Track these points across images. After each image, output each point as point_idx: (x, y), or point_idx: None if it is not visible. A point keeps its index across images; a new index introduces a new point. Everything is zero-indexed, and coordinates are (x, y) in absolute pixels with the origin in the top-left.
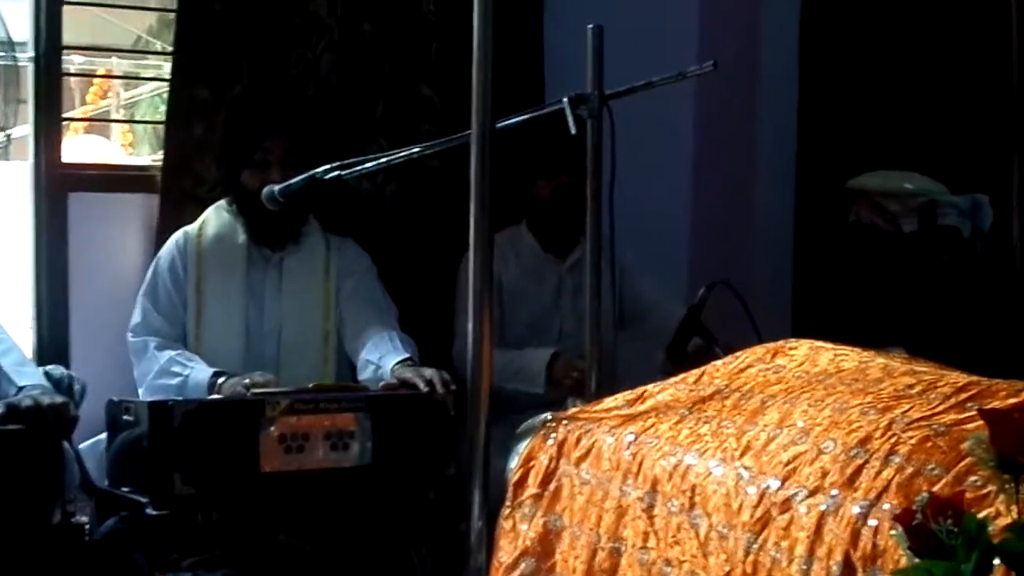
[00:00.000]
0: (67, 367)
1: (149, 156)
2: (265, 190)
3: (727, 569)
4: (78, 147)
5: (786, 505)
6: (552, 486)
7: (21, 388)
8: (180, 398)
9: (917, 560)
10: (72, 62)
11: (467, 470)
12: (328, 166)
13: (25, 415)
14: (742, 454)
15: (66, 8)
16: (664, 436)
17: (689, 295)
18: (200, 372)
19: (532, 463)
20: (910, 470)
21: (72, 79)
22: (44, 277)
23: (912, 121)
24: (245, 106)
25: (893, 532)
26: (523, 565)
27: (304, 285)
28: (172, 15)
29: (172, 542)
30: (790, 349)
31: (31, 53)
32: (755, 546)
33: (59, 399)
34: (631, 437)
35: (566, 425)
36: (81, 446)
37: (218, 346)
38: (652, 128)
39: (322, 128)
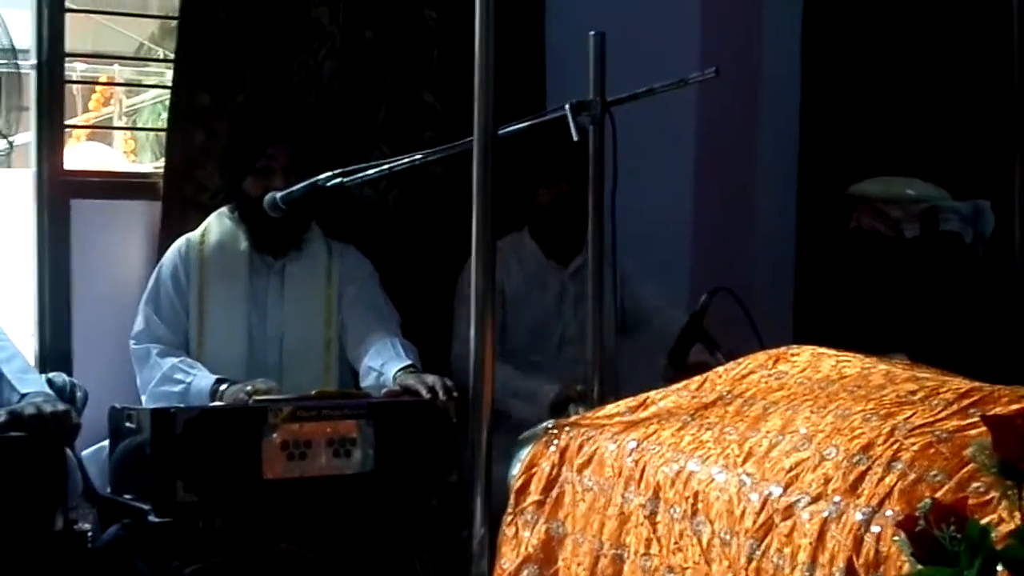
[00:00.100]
0: (69, 374)
1: (151, 163)
2: (267, 197)
3: None
4: (80, 154)
5: (789, 511)
6: (554, 493)
7: (24, 395)
8: (182, 405)
9: (920, 567)
10: (74, 69)
11: (469, 477)
12: (330, 173)
13: (28, 423)
14: (744, 460)
15: (68, 15)
16: (666, 443)
17: (691, 302)
18: (202, 379)
19: (534, 470)
20: (913, 476)
21: (74, 86)
22: (46, 284)
23: (914, 127)
24: (248, 113)
25: (896, 538)
26: (525, 572)
27: (306, 292)
28: (174, 22)
29: (174, 549)
30: (792, 355)
31: (33, 60)
32: (758, 553)
33: (61, 407)
34: (633, 444)
35: (568, 432)
36: (83, 453)
37: (220, 353)
38: (653, 134)
39: (324, 135)
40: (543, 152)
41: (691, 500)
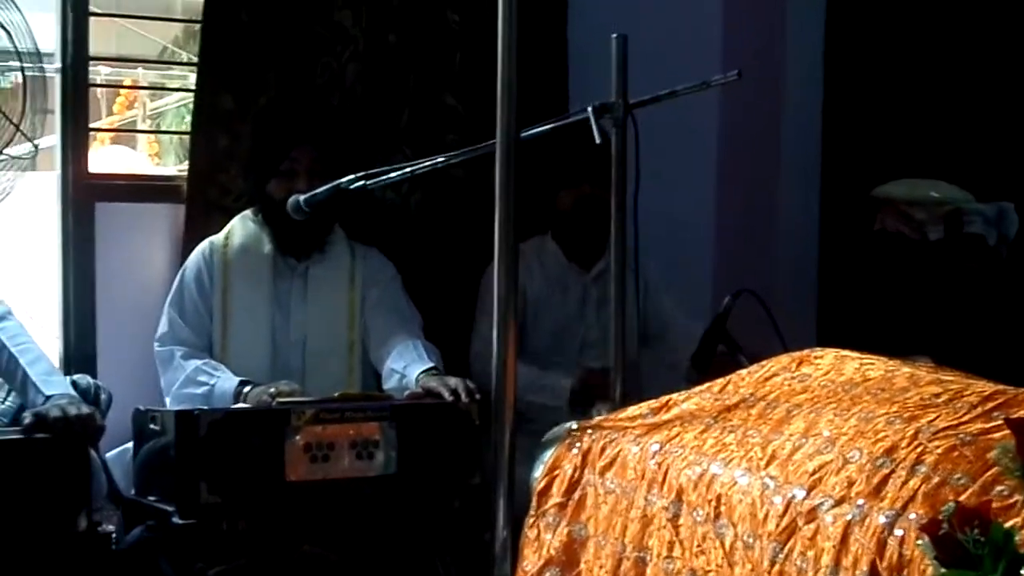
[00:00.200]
0: (94, 376)
1: (175, 166)
2: (291, 200)
3: None
4: (105, 157)
5: (812, 515)
6: (577, 495)
7: (48, 397)
8: (206, 407)
9: (943, 570)
10: (98, 73)
11: (492, 479)
12: (353, 176)
13: (53, 425)
14: (768, 463)
15: (92, 19)
16: (689, 445)
17: (714, 304)
18: (226, 381)
19: (556, 472)
20: (936, 480)
21: (98, 90)
22: (71, 287)
23: (937, 129)
24: (271, 116)
25: (919, 542)
26: (548, 574)
27: (329, 294)
28: (197, 26)
29: (198, 551)
30: (815, 358)
31: (58, 64)
32: (781, 556)
33: (86, 409)
34: (656, 446)
35: (591, 434)
36: (108, 455)
37: (244, 355)
38: (676, 136)
39: (347, 138)
40: (565, 155)
41: (714, 503)
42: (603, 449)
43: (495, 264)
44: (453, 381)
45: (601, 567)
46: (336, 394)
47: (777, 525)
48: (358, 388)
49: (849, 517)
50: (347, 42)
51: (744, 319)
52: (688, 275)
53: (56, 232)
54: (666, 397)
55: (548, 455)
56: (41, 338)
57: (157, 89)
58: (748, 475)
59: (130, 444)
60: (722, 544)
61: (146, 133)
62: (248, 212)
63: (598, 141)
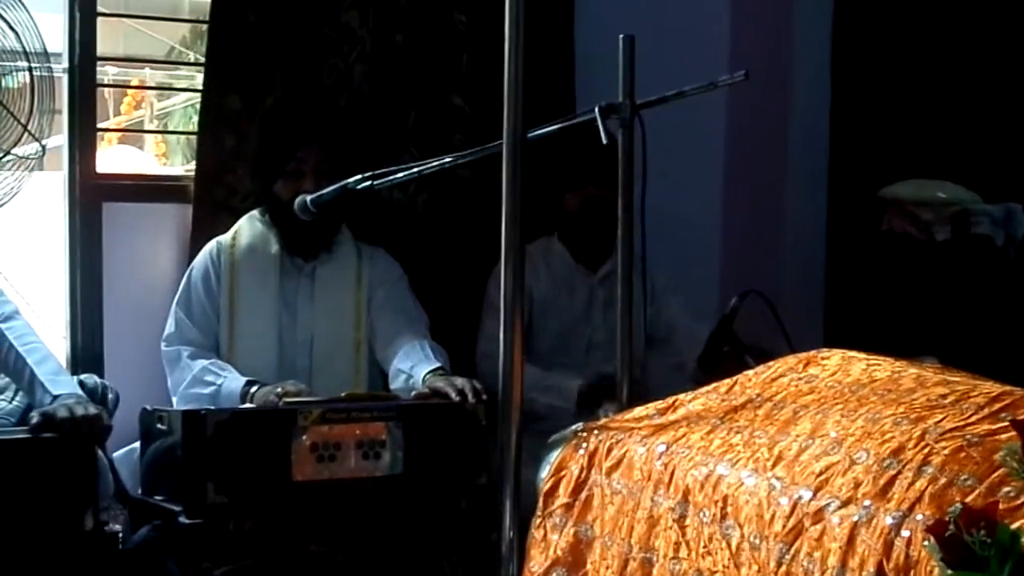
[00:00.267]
0: (101, 376)
1: (182, 166)
2: (298, 200)
3: None
4: (112, 157)
5: (818, 516)
6: (583, 496)
7: (56, 397)
8: (213, 407)
9: (950, 572)
10: (106, 73)
11: (498, 479)
12: (360, 176)
13: (60, 425)
14: (774, 464)
15: (100, 19)
16: (696, 446)
17: (721, 304)
18: (233, 381)
19: (563, 472)
20: (943, 481)
21: (106, 90)
22: (78, 287)
23: (945, 130)
24: (278, 117)
25: (926, 543)
26: (554, 574)
27: (336, 294)
28: (205, 26)
29: (205, 551)
30: (822, 359)
31: (65, 64)
32: (787, 557)
33: (93, 410)
34: (662, 447)
35: (597, 435)
36: (115, 455)
37: (251, 355)
38: (683, 137)
39: (354, 138)
40: (572, 156)
41: (720, 504)
42: (609, 450)
43: (502, 264)
44: (460, 381)
45: (607, 568)
46: (343, 394)
47: (784, 526)
48: (365, 388)
49: (856, 518)
50: (354, 43)
51: (751, 320)
52: (695, 276)
53: (63, 232)
54: (673, 398)
55: (554, 456)
56: (48, 338)
57: (164, 89)
58: (755, 476)
59: (137, 444)
60: (728, 545)
61: (153, 133)
62: (255, 212)
63: (605, 142)
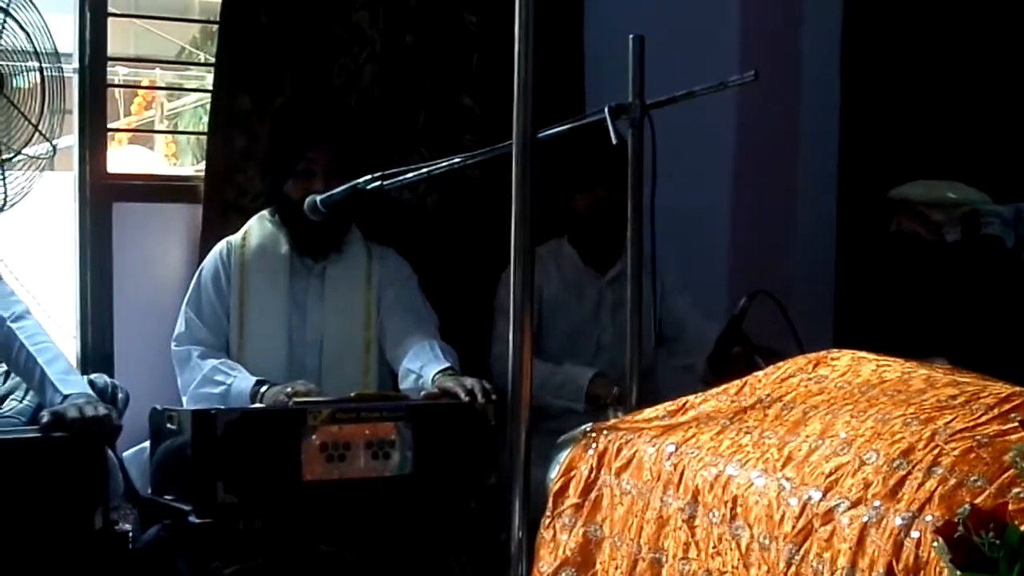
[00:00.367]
0: (111, 376)
1: (192, 166)
2: (308, 200)
3: None
4: (122, 157)
5: (828, 516)
6: (592, 496)
7: (66, 397)
8: (223, 407)
9: (959, 573)
10: (116, 73)
11: (508, 479)
12: (370, 176)
13: (70, 424)
14: (784, 465)
15: (110, 20)
16: (705, 446)
17: (730, 305)
18: (243, 381)
19: (573, 473)
20: (953, 481)
21: (116, 90)
22: (88, 286)
23: (955, 130)
24: (288, 117)
25: (935, 544)
26: (563, 575)
27: (346, 294)
28: (215, 27)
29: (214, 550)
30: (832, 359)
31: (76, 64)
32: (797, 557)
33: (103, 410)
34: (672, 447)
35: (607, 435)
36: (125, 454)
37: (261, 355)
38: (693, 137)
39: (364, 139)
40: (581, 157)
41: (730, 504)
42: (619, 450)
43: (512, 265)
44: (469, 381)
45: (617, 568)
46: (352, 394)
47: (793, 527)
48: (374, 388)
49: (865, 519)
50: (364, 43)
51: (760, 320)
52: (704, 276)
53: (74, 232)
54: (682, 399)
55: (564, 456)
56: (59, 337)
57: (175, 89)
58: (764, 476)
59: (147, 443)
60: (738, 545)
61: (163, 133)
62: (265, 212)
63: (614, 142)
